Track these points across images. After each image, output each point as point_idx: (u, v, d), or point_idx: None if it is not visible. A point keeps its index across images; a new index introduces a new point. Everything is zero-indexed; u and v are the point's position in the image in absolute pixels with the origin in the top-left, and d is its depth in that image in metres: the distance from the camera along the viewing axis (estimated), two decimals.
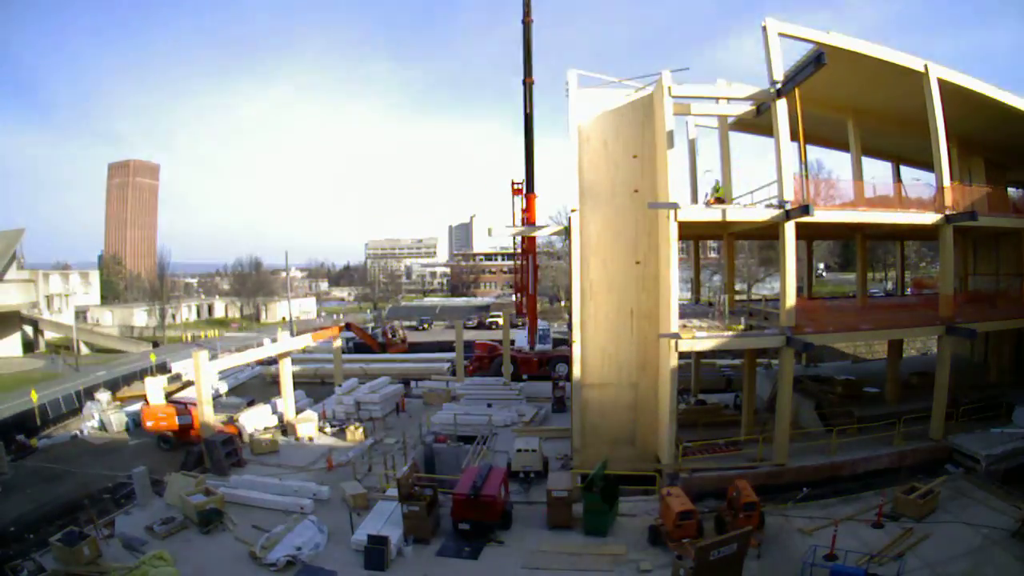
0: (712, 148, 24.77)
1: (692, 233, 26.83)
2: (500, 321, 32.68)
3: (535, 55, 31.93)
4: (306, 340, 27.03)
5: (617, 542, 15.00)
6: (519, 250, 37.31)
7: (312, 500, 17.88)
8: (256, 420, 26.48)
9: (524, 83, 32.32)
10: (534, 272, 35.34)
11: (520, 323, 39.05)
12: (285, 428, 25.33)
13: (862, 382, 24.42)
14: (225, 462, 20.28)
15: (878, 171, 28.62)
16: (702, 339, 17.59)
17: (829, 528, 14.50)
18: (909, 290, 32.18)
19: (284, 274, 71.86)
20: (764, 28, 16.44)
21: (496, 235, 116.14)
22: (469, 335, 41.51)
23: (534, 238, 35.08)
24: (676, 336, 16.76)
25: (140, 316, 75.37)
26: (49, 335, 61.55)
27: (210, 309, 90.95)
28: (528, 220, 33.86)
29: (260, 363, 41.00)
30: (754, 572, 13.23)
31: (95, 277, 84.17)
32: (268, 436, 23.55)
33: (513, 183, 34.26)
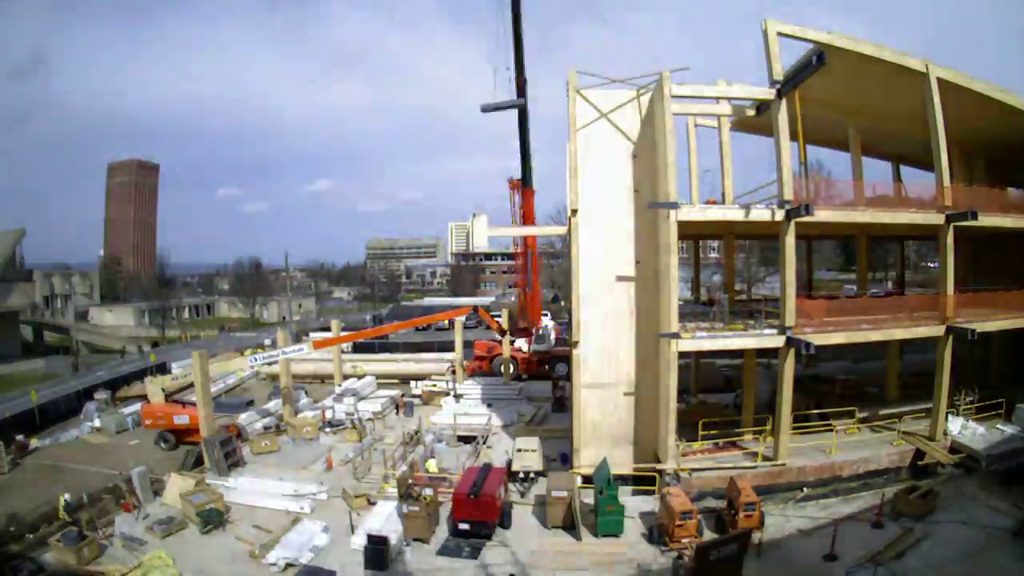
0: (712, 148, 24.73)
1: (692, 233, 26.80)
2: (501, 321, 32.74)
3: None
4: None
5: (617, 542, 15.00)
6: (519, 249, 37.29)
7: (312, 500, 17.88)
8: (256, 420, 26.53)
9: (516, 82, 32.68)
10: (534, 269, 35.50)
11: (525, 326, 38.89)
12: (285, 428, 25.32)
13: (862, 382, 24.41)
14: (225, 462, 20.26)
15: (878, 171, 28.53)
16: (702, 339, 17.58)
17: (829, 528, 14.52)
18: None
19: (284, 274, 71.89)
20: (764, 28, 16.42)
21: (490, 235, 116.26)
22: (469, 335, 41.48)
23: (534, 236, 35.13)
24: (676, 336, 16.75)
25: (140, 316, 75.42)
26: (49, 335, 61.63)
27: (209, 309, 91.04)
28: (525, 217, 33.88)
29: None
30: (754, 572, 13.24)
31: (95, 277, 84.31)
32: (268, 436, 23.54)
33: (511, 180, 34.23)
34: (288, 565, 14.35)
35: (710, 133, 25.01)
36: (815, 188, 18.99)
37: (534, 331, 36.91)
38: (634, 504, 16.55)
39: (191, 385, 26.14)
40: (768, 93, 16.93)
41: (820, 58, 14.86)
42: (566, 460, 19.72)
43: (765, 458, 17.62)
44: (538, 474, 18.74)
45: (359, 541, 14.88)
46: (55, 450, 25.59)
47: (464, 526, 15.39)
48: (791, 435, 17.60)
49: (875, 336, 18.56)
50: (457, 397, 29.05)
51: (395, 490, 17.21)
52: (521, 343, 35.82)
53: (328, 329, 43.30)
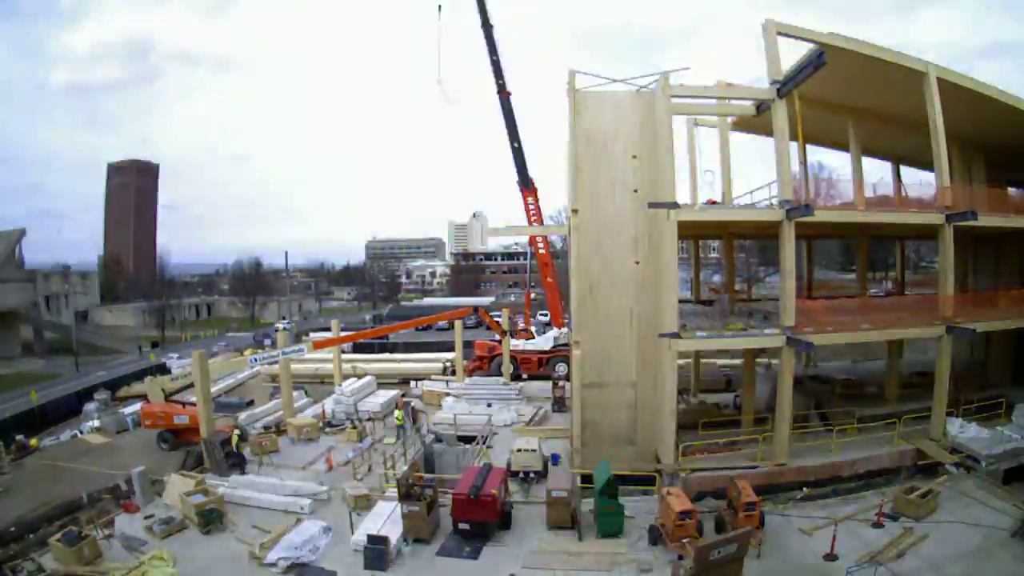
0: (712, 148, 24.77)
1: (692, 233, 26.82)
2: (501, 320, 32.75)
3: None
4: None
5: (617, 542, 15.00)
6: (541, 248, 37.35)
7: (312, 500, 17.88)
8: (256, 420, 26.53)
9: (500, 94, 32.98)
10: (542, 266, 35.66)
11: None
12: (285, 428, 25.33)
13: (862, 382, 24.41)
14: (225, 462, 20.27)
15: (878, 171, 28.60)
16: (702, 339, 17.58)
17: (829, 528, 14.52)
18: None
19: (284, 275, 71.91)
20: (764, 28, 16.43)
21: (491, 236, 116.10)
22: (469, 335, 41.49)
23: (534, 236, 35.22)
24: (676, 336, 16.76)
25: (140, 316, 75.43)
26: (49, 335, 61.59)
27: (209, 309, 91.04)
28: (528, 217, 34.00)
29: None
30: (754, 572, 13.23)
31: (95, 277, 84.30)
32: (268, 436, 23.54)
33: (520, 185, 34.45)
34: (289, 566, 14.35)
35: (710, 133, 25.06)
36: (815, 188, 19.02)
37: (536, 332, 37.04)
38: (634, 504, 16.54)
39: (191, 385, 26.22)
40: (768, 93, 16.95)
41: (820, 58, 14.87)
42: (556, 461, 19.93)
43: (765, 458, 17.63)
44: (537, 474, 18.75)
45: (359, 541, 14.88)
46: (55, 450, 25.61)
47: (464, 526, 15.38)
48: (791, 435, 17.61)
49: (875, 336, 18.57)
50: (457, 397, 29.05)
51: (395, 490, 17.20)
52: (518, 343, 35.81)
53: (328, 329, 43.35)
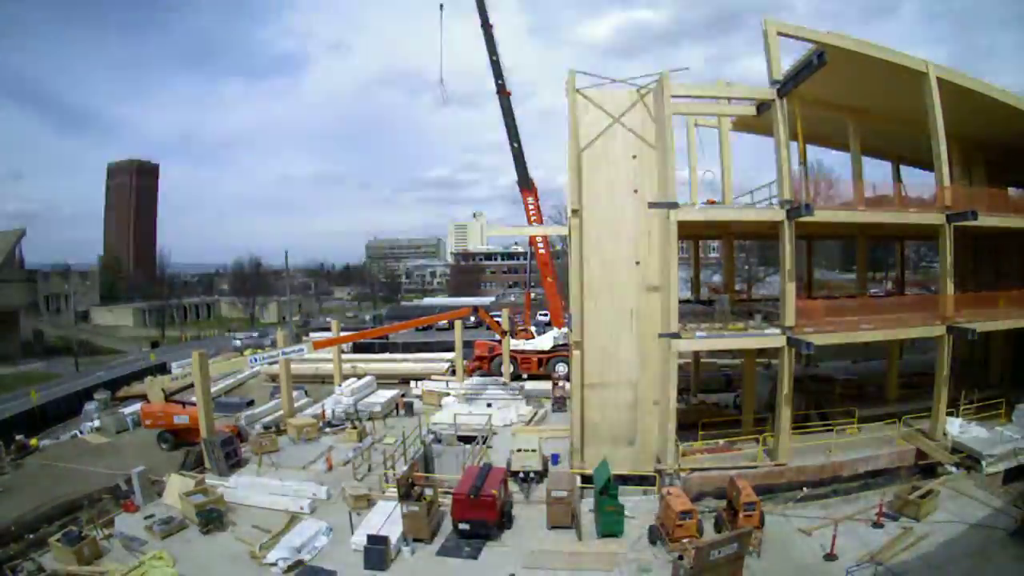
0: (712, 148, 24.75)
1: (692, 233, 26.80)
2: (501, 320, 32.73)
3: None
4: None
5: (617, 542, 15.01)
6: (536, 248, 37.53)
7: (312, 500, 17.90)
8: (256, 420, 26.52)
9: (500, 94, 33.05)
10: (542, 266, 35.76)
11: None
12: (285, 428, 25.32)
13: (862, 382, 24.42)
14: (225, 462, 20.28)
15: (878, 171, 28.54)
16: (702, 339, 17.58)
17: (829, 528, 14.53)
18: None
19: (284, 275, 71.91)
20: (764, 28, 16.43)
21: (489, 236, 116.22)
22: (469, 335, 41.46)
23: (533, 236, 35.32)
24: (676, 336, 16.76)
25: (140, 316, 75.49)
26: (49, 335, 61.62)
27: (209, 309, 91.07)
28: (528, 217, 34.12)
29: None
30: (754, 572, 13.24)
31: (95, 277, 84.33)
32: (268, 436, 23.54)
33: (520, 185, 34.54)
34: (289, 566, 14.35)
35: (710, 133, 25.04)
36: (815, 188, 19.02)
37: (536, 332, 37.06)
38: (634, 504, 16.55)
39: (191, 385, 26.18)
40: (768, 93, 16.95)
41: (820, 58, 14.87)
42: (556, 461, 19.89)
43: (765, 458, 17.63)
44: (537, 474, 18.74)
45: (359, 541, 14.89)
46: (55, 450, 25.59)
47: (464, 526, 15.40)
48: (791, 435, 17.61)
49: (875, 336, 18.56)
50: (457, 397, 29.04)
51: (395, 490, 17.21)
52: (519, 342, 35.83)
53: (327, 329, 43.34)
